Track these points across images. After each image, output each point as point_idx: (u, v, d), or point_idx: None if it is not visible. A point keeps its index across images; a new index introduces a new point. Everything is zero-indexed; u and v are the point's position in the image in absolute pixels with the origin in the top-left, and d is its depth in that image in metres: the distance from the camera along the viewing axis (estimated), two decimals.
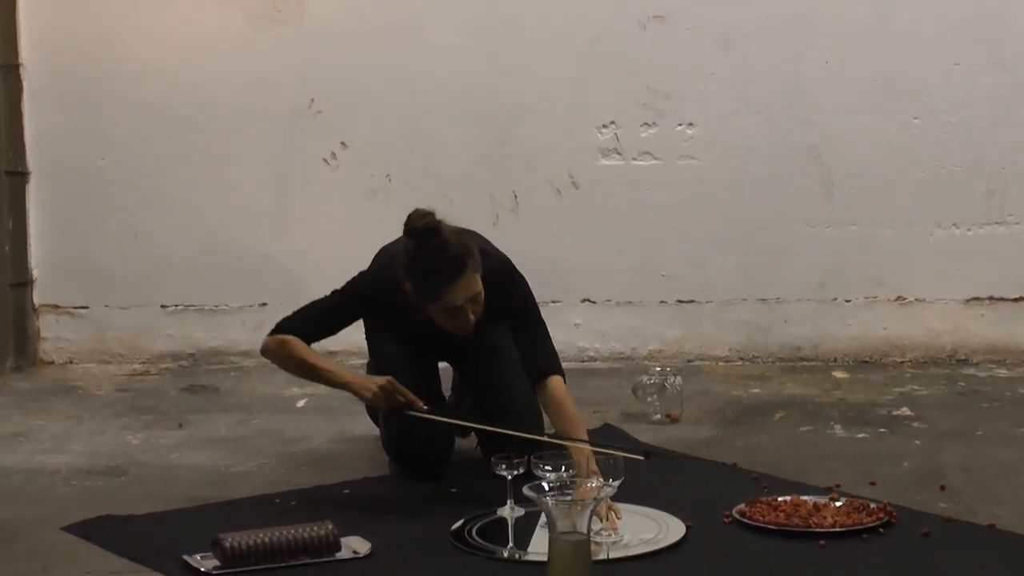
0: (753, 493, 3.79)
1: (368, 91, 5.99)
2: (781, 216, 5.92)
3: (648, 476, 3.88)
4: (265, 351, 4.05)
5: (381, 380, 3.85)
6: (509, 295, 3.97)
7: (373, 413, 4.53)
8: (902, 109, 5.84)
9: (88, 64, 6.05)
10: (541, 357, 3.96)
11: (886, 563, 3.30)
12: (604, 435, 4.47)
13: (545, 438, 3.75)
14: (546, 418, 4.02)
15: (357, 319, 4.08)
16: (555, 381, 3.92)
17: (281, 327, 4.01)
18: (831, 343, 5.94)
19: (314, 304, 4.06)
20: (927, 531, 3.50)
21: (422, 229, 3.74)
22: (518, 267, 4.08)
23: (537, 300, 4.07)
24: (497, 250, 4.12)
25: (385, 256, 4.11)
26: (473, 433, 4.31)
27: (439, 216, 3.80)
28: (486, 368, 4.15)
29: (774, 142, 5.89)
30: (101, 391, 5.61)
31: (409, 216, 3.77)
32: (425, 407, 3.85)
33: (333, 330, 4.06)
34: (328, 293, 4.07)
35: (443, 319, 3.83)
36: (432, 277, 3.75)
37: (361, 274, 4.09)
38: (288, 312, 4.11)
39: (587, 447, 3.67)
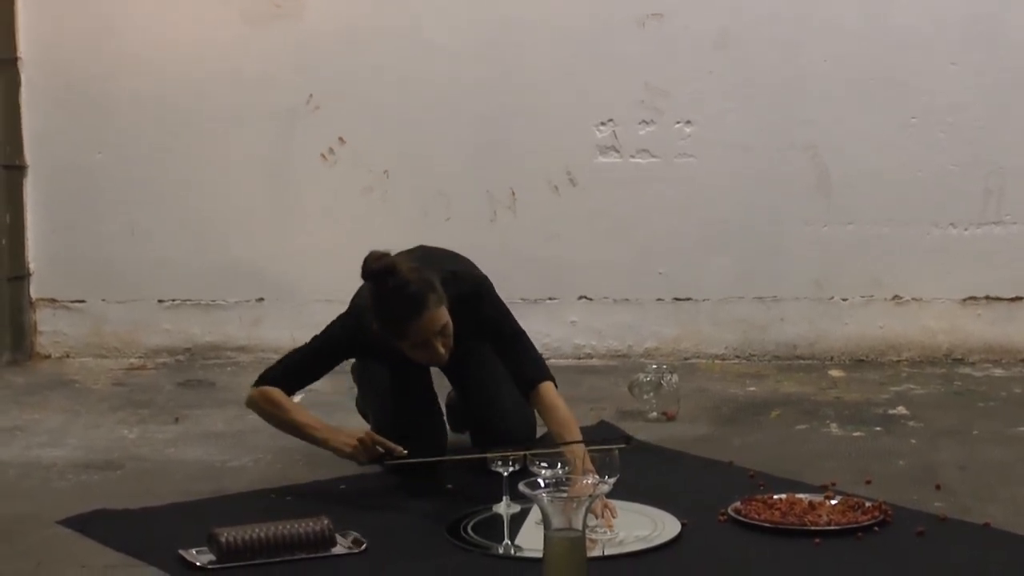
0: (749, 491, 3.79)
1: (366, 87, 5.99)
2: (778, 215, 5.92)
3: (644, 474, 3.89)
4: (249, 403, 4.06)
5: (358, 434, 3.89)
6: (481, 316, 3.97)
7: (363, 411, 4.54)
8: (900, 108, 5.84)
9: (86, 59, 6.06)
10: (527, 367, 3.95)
11: (881, 561, 3.31)
12: (600, 432, 4.48)
13: (530, 451, 3.69)
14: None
15: (337, 363, 4.08)
16: (545, 387, 3.91)
17: (264, 378, 4.01)
18: (827, 342, 5.94)
19: (296, 352, 4.07)
20: (922, 530, 3.50)
21: (379, 271, 3.75)
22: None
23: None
24: (471, 269, 4.15)
25: (353, 305, 4.13)
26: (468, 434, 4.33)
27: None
28: (474, 379, 4.17)
29: (772, 141, 5.89)
30: (97, 385, 5.61)
31: (365, 259, 3.78)
32: (405, 451, 3.86)
33: (315, 376, 4.07)
34: (310, 339, 4.08)
35: (414, 354, 3.84)
36: (395, 317, 3.76)
37: (336, 320, 4.09)
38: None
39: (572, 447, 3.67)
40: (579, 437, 3.82)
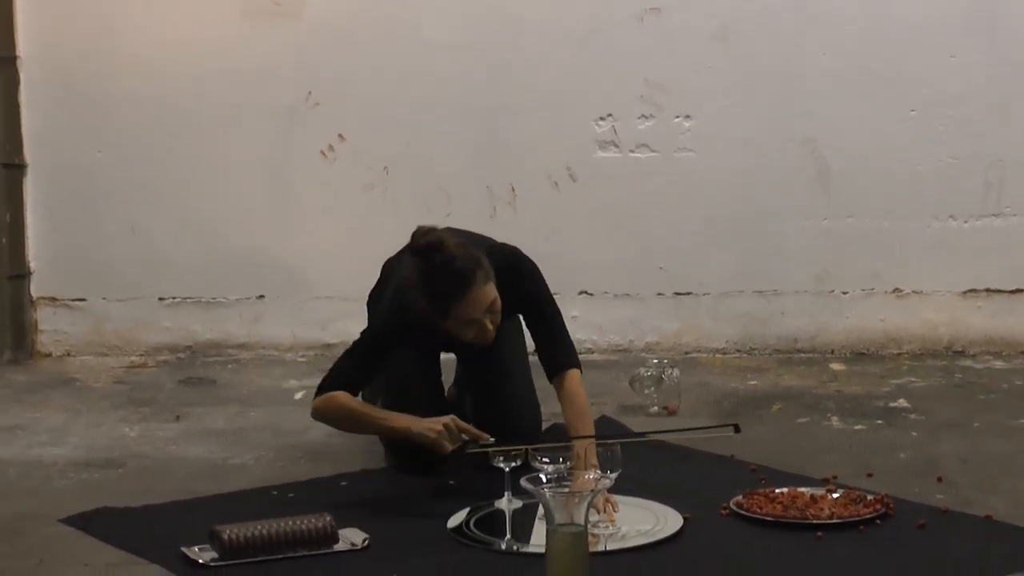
0: (750, 485, 3.80)
1: (366, 84, 5.99)
2: (778, 209, 5.92)
3: (646, 468, 3.89)
4: (316, 414, 3.94)
5: (444, 419, 3.78)
6: (521, 288, 3.93)
7: (371, 402, 4.53)
8: (899, 101, 5.84)
9: (85, 57, 6.06)
10: (559, 351, 3.94)
11: (883, 554, 3.31)
12: (601, 427, 4.48)
13: (615, 441, 3.72)
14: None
15: (390, 351, 3.95)
16: (571, 375, 3.92)
17: (323, 387, 3.91)
18: (828, 335, 5.94)
19: (347, 355, 3.96)
20: (924, 522, 3.50)
21: (426, 246, 3.69)
22: None
23: None
24: (504, 244, 4.11)
25: (395, 278, 4.04)
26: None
27: (441, 226, 3.76)
28: (490, 370, 4.15)
29: (771, 135, 5.89)
30: (99, 383, 5.61)
31: (413, 234, 3.72)
32: (491, 439, 3.76)
33: (374, 371, 3.95)
34: (356, 338, 3.99)
35: (461, 332, 3.78)
36: (443, 293, 3.70)
37: (379, 310, 4.03)
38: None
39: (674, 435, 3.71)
40: (592, 430, 3.83)
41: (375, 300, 4.27)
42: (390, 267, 4.24)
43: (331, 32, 5.99)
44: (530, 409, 4.15)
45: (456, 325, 3.76)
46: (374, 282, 4.35)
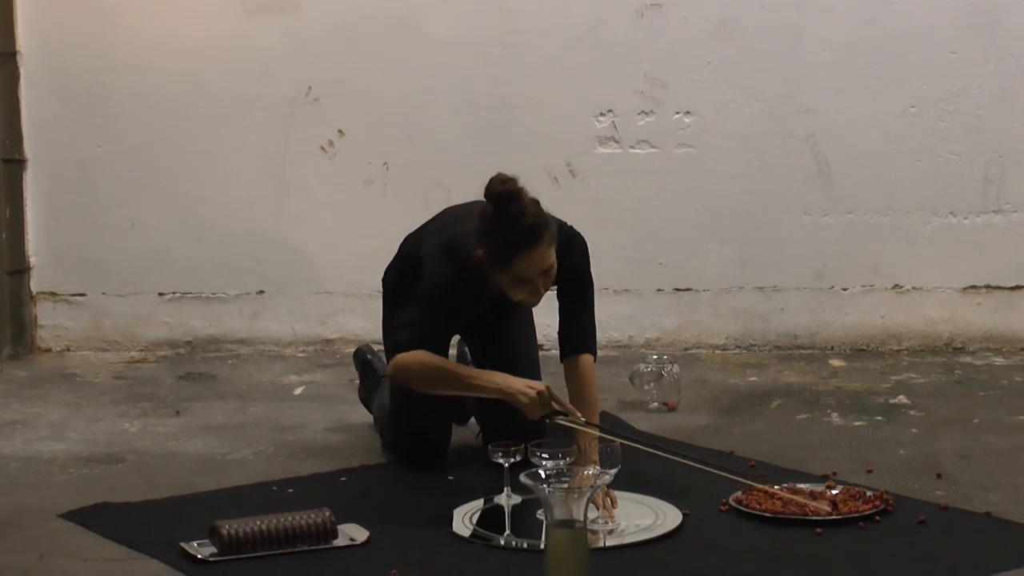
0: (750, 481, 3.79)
1: (365, 79, 5.99)
2: (778, 205, 5.92)
3: (645, 464, 3.89)
4: (399, 371, 3.84)
5: (540, 385, 3.73)
6: (567, 260, 3.87)
7: (366, 399, 4.53)
8: (899, 97, 5.84)
9: (86, 52, 6.05)
10: (582, 333, 3.93)
11: (882, 551, 3.31)
12: (601, 423, 4.48)
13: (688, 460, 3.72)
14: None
15: (455, 304, 3.88)
16: (585, 360, 3.90)
17: (399, 346, 3.82)
18: (828, 331, 5.94)
19: (414, 311, 3.86)
20: (923, 519, 3.50)
21: (503, 194, 3.65)
22: None
23: None
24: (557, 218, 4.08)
25: (443, 236, 3.96)
26: (474, 420, 4.33)
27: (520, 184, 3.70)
28: (499, 357, 4.12)
29: (771, 131, 5.89)
30: (98, 379, 5.61)
31: (491, 180, 3.69)
32: (581, 417, 3.73)
33: (444, 323, 3.89)
34: (412, 305, 3.89)
35: (513, 289, 3.73)
36: (509, 243, 3.65)
37: (432, 267, 3.90)
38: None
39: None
40: (598, 420, 3.82)
41: (392, 276, 4.20)
42: (408, 244, 4.19)
43: (331, 27, 5.98)
44: None
45: (511, 280, 3.71)
46: (375, 280, 4.34)
